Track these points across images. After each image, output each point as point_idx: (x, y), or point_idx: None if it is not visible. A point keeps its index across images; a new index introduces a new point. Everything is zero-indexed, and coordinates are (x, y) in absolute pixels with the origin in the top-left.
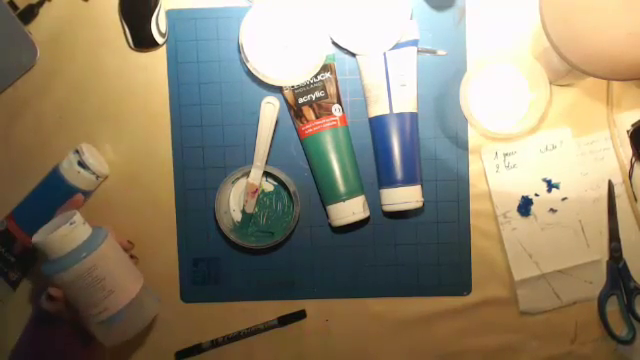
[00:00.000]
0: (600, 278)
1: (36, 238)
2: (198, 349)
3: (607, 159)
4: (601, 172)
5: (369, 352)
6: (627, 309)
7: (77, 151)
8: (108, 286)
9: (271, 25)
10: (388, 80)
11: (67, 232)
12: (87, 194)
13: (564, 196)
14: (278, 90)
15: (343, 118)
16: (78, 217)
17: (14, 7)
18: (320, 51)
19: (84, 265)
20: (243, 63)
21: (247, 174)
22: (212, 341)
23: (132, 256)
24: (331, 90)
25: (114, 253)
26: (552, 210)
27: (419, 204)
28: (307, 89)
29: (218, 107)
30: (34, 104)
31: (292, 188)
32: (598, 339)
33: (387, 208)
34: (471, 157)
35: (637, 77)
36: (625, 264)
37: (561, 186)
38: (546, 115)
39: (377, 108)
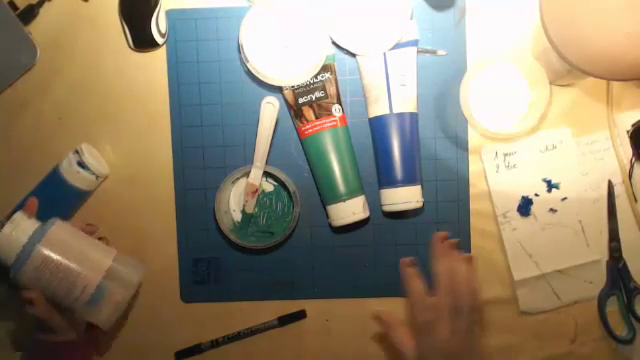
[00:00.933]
0: (600, 278)
1: None
2: (198, 349)
3: (607, 159)
4: (601, 172)
5: (369, 352)
6: (627, 309)
7: (77, 151)
8: (74, 266)
9: (271, 25)
10: (388, 80)
11: (8, 233)
12: (87, 194)
13: (564, 196)
14: (278, 90)
15: (343, 118)
16: (18, 215)
17: (14, 7)
18: (320, 51)
19: (38, 255)
20: (243, 63)
21: (247, 174)
22: (212, 341)
23: (100, 238)
24: (331, 90)
25: (68, 236)
26: (552, 210)
27: (419, 204)
28: (307, 89)
29: (218, 107)
30: (34, 104)
31: (292, 188)
32: (598, 339)
33: (387, 208)
34: (471, 157)
35: (637, 77)
36: (625, 264)
37: (561, 186)
38: (546, 115)
39: (377, 108)
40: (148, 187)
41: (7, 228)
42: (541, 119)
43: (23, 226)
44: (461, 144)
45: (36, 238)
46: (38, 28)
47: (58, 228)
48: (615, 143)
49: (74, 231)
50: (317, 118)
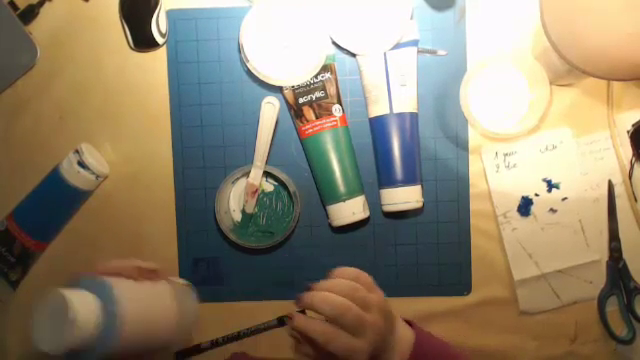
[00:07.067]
0: (600, 278)
1: (47, 347)
2: (198, 349)
3: (607, 159)
4: (601, 172)
5: None
6: (627, 309)
7: (77, 151)
8: (150, 329)
9: (271, 25)
10: (388, 80)
11: (77, 319)
12: (87, 194)
13: (564, 196)
14: (278, 90)
15: (343, 118)
16: (72, 305)
17: (14, 7)
18: (320, 51)
19: (116, 336)
20: (243, 63)
21: (247, 174)
22: (212, 341)
23: (152, 271)
24: (331, 90)
25: (132, 295)
26: (552, 210)
27: (419, 204)
28: (307, 89)
29: (218, 107)
30: (34, 104)
31: (292, 188)
32: (598, 339)
33: (387, 208)
34: (471, 157)
35: (637, 77)
36: (625, 264)
37: (561, 186)
38: (546, 115)
39: (377, 108)
40: (148, 187)
41: (69, 338)
42: (541, 119)
43: (85, 304)
44: (461, 144)
45: (108, 315)
46: (38, 28)
47: (121, 292)
48: (615, 143)
49: (132, 287)
50: (317, 118)
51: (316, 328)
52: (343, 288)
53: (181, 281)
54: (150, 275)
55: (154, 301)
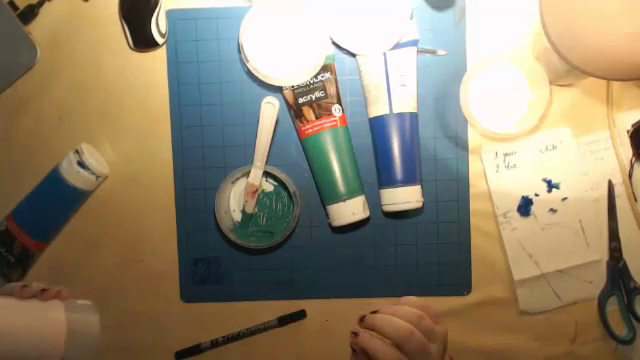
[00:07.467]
0: (600, 278)
1: None
2: (198, 349)
3: (607, 159)
4: (601, 172)
5: None
6: (627, 309)
7: (77, 151)
8: (29, 350)
9: (271, 25)
10: (388, 80)
11: None
12: (87, 194)
13: (564, 196)
14: (278, 90)
15: (343, 118)
16: None
17: (14, 7)
18: (320, 51)
19: None
20: (243, 63)
21: (247, 174)
22: (212, 341)
23: (43, 290)
24: (331, 90)
25: (9, 314)
26: (552, 210)
27: (419, 204)
28: (307, 89)
29: (218, 107)
30: (34, 104)
31: (292, 188)
32: (598, 339)
33: (387, 208)
34: (471, 157)
35: (637, 77)
36: (625, 264)
37: (561, 186)
38: (546, 115)
39: (377, 108)
40: (148, 187)
41: None
42: (541, 119)
43: None
44: (461, 144)
45: None
46: (38, 28)
47: None
48: (615, 143)
49: (12, 305)
50: (317, 118)
51: (379, 348)
52: (408, 313)
53: (82, 302)
54: (41, 295)
55: (36, 321)
